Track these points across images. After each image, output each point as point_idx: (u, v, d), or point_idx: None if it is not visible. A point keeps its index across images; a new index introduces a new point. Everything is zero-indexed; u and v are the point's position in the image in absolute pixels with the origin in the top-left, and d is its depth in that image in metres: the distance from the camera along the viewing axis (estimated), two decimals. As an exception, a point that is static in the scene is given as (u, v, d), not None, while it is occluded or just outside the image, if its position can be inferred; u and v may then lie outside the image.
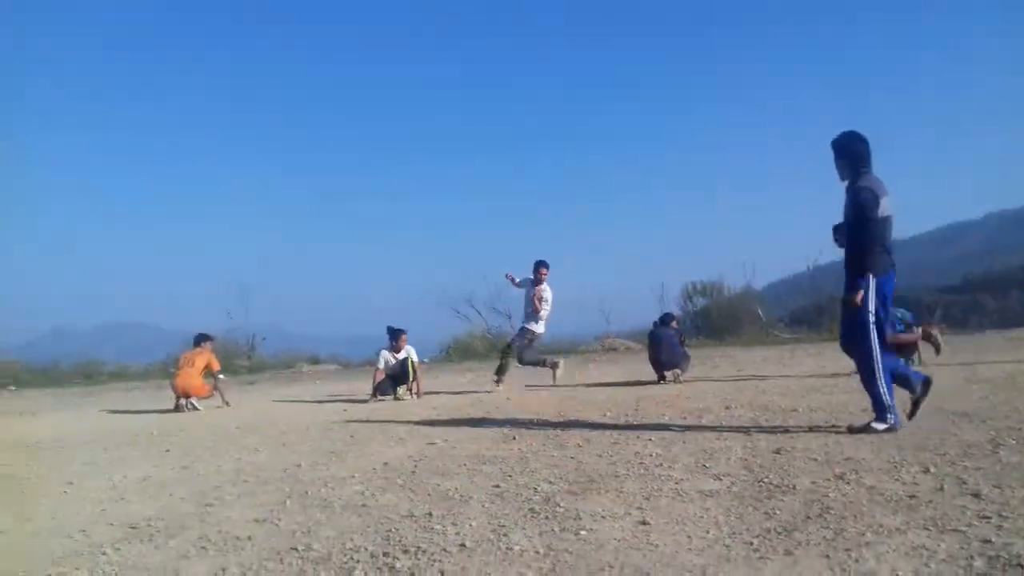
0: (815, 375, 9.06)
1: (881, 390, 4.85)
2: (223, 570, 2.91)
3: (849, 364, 5.60)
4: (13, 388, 19.06)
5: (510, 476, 4.24)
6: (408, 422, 7.00)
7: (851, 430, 4.89)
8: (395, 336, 10.18)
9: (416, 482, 4.26)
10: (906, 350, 10.31)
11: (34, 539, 3.59)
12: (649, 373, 10.21)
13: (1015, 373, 8.04)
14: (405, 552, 2.97)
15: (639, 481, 3.90)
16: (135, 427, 8.45)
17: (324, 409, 9.27)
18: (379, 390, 9.94)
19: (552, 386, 9.96)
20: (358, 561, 2.90)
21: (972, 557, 2.50)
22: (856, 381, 5.42)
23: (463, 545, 3.00)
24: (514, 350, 10.26)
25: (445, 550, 2.96)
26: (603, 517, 3.27)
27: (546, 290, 10.20)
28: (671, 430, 5.49)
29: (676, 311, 19.32)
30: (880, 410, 4.86)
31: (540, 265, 10.28)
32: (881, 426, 4.81)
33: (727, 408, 6.55)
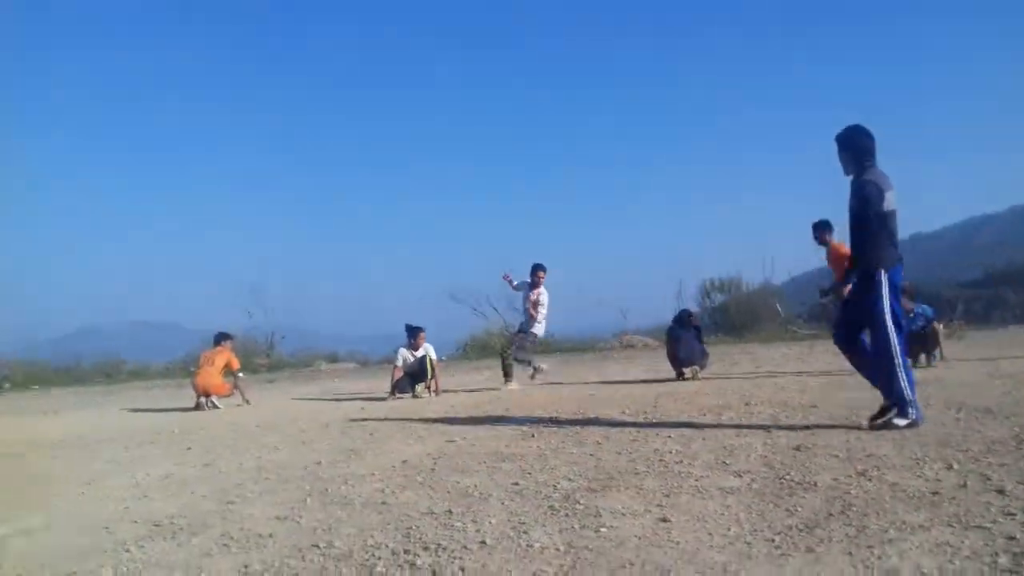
0: (834, 372, 9.01)
1: (902, 385, 4.82)
2: (246, 567, 2.93)
3: (844, 363, 5.58)
4: (37, 387, 19.29)
5: (529, 473, 4.24)
6: (426, 420, 7.03)
7: (873, 427, 4.86)
8: (413, 334, 10.23)
9: (435, 479, 4.27)
10: (929, 346, 10.23)
11: (58, 536, 3.63)
12: (668, 370, 10.20)
13: (1039, 368, 7.95)
14: (426, 549, 2.98)
15: (659, 478, 3.89)
16: (156, 425, 8.53)
17: (343, 407, 9.32)
18: (397, 388, 9.99)
19: (554, 383, 9.95)
20: (379, 558, 2.91)
21: (997, 554, 2.48)
22: (858, 378, 5.40)
23: (483, 542, 3.00)
24: (513, 350, 10.37)
25: (465, 547, 2.96)
26: (623, 514, 3.27)
27: (543, 293, 10.33)
28: (690, 427, 5.47)
29: (694, 307, 19.25)
30: (901, 405, 4.82)
31: (537, 268, 10.40)
32: (903, 421, 4.77)
33: (747, 405, 6.52)
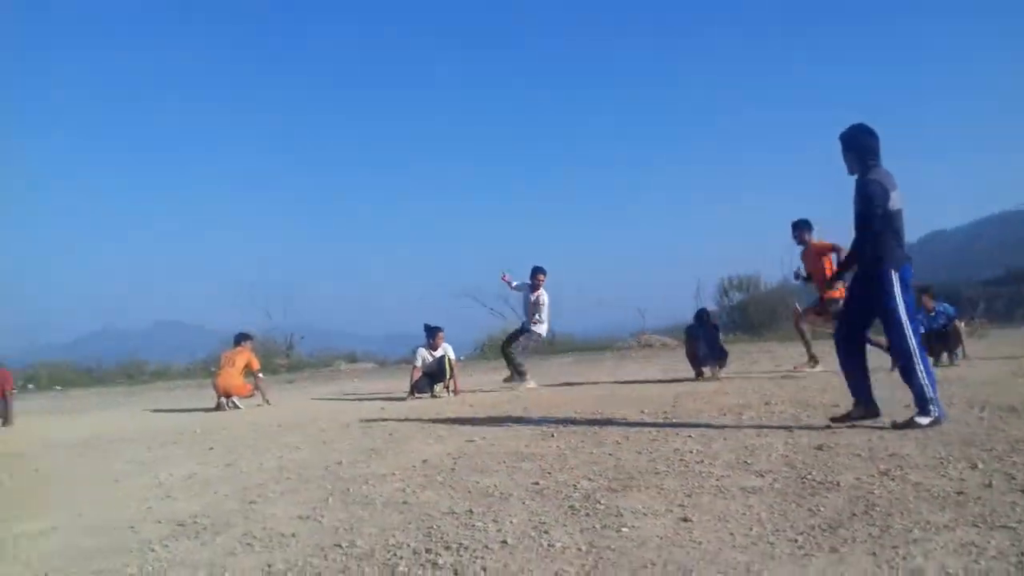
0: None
1: (922, 383, 4.78)
2: (269, 566, 2.95)
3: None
4: (59, 388, 19.51)
5: (549, 473, 4.24)
6: (446, 419, 7.05)
7: (895, 426, 4.82)
8: (432, 334, 10.26)
9: (456, 479, 4.28)
10: (950, 344, 10.16)
11: (84, 535, 3.67)
12: (686, 369, 10.17)
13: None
14: (447, 548, 2.99)
15: (679, 478, 3.88)
16: (179, 425, 8.61)
17: (362, 407, 9.36)
18: (416, 388, 10.01)
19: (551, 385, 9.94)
20: (401, 557, 2.92)
21: (1023, 554, 2.45)
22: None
23: (505, 542, 3.00)
24: (516, 351, 10.47)
25: (487, 547, 2.97)
26: (644, 514, 3.26)
27: (543, 295, 10.53)
28: (710, 427, 5.45)
29: (712, 306, 19.20)
30: (923, 403, 4.79)
31: (537, 271, 10.63)
32: (925, 420, 4.73)
33: (767, 404, 6.49)
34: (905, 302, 4.86)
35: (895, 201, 4.88)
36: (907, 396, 4.96)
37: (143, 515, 4.00)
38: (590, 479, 4.01)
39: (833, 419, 5.14)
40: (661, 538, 2.91)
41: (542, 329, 10.62)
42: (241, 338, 11.06)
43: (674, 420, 5.94)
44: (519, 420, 6.63)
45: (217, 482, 4.79)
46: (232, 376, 10.44)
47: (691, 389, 8.45)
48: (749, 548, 2.73)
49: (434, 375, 10.11)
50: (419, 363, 10.16)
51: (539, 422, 6.35)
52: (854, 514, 3.04)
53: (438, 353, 10.13)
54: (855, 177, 5.04)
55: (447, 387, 10.12)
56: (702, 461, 4.25)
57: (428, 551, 2.97)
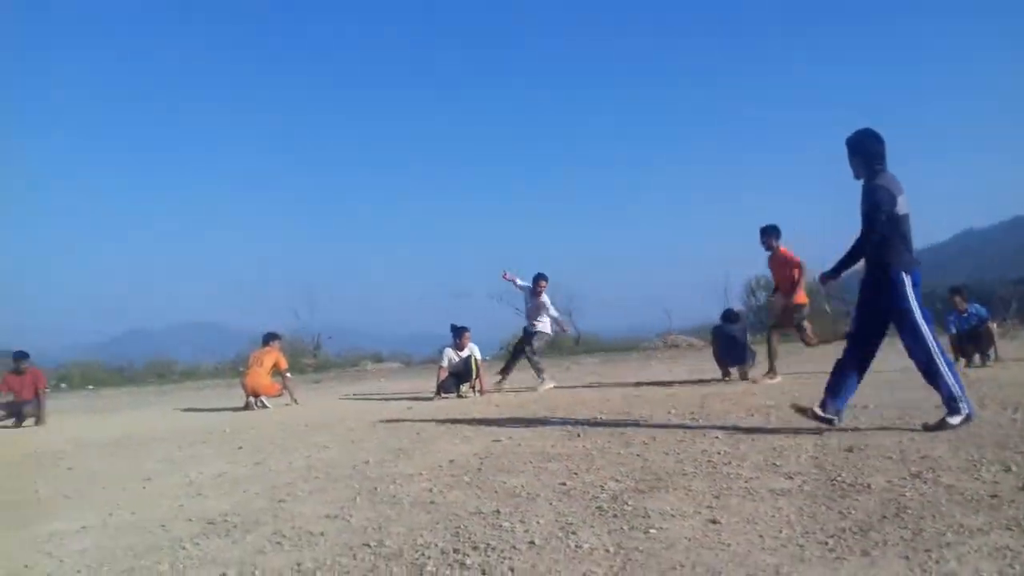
0: (884, 370, 8.83)
1: (948, 382, 4.72)
2: (298, 565, 2.98)
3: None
4: (91, 387, 19.80)
5: (576, 474, 4.24)
6: (472, 419, 7.06)
7: (927, 428, 4.76)
8: (458, 334, 10.29)
9: (483, 479, 4.29)
10: (983, 345, 10.01)
11: (116, 533, 3.72)
12: (712, 370, 10.11)
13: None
14: (475, 549, 2.99)
15: (707, 479, 3.86)
16: (208, 425, 8.70)
17: (389, 407, 9.40)
18: (443, 388, 10.04)
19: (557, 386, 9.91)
20: (429, 557, 2.93)
21: (1060, 559, 2.42)
22: (909, 376, 5.30)
23: (532, 542, 3.01)
24: (531, 350, 10.63)
25: (514, 547, 2.97)
26: (672, 516, 3.25)
27: (545, 299, 10.83)
28: (738, 428, 5.42)
29: (739, 306, 19.05)
30: (951, 402, 4.72)
31: (539, 278, 10.87)
32: (956, 419, 4.67)
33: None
34: (918, 303, 4.82)
35: (902, 206, 4.86)
36: (938, 397, 4.89)
37: (174, 513, 4.05)
38: (617, 480, 4.00)
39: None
40: (689, 540, 2.90)
41: (547, 327, 10.87)
42: (269, 338, 11.15)
43: (701, 421, 5.91)
44: (545, 420, 6.63)
45: (246, 481, 4.84)
46: (260, 376, 10.54)
47: (718, 390, 8.40)
48: (779, 550, 2.71)
49: (460, 375, 10.14)
50: (445, 363, 10.19)
51: (565, 422, 6.35)
52: (885, 517, 3.00)
53: (464, 353, 10.15)
54: (861, 182, 5.02)
55: (473, 387, 10.14)
56: (730, 462, 4.23)
57: (456, 551, 2.98)
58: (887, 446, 4.35)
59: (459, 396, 10.02)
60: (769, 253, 9.32)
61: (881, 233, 4.84)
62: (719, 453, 4.52)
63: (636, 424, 5.97)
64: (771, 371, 8.94)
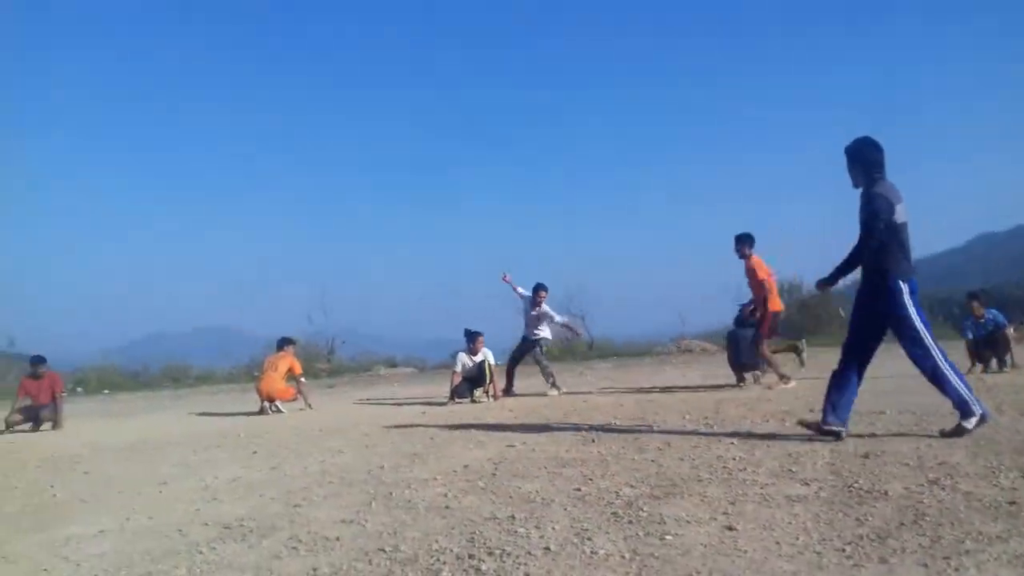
0: (899, 376, 8.77)
1: (956, 386, 4.70)
2: (314, 570, 2.99)
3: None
4: (107, 391, 19.93)
5: (591, 479, 4.23)
6: (486, 424, 7.06)
7: (943, 434, 4.73)
8: (472, 339, 10.30)
9: (497, 484, 4.29)
10: (1000, 351, 9.94)
11: (133, 537, 3.74)
12: (727, 375, 10.07)
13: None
14: (490, 554, 2.99)
15: (723, 486, 3.85)
16: (223, 429, 8.74)
17: (403, 412, 9.42)
18: (456, 393, 10.05)
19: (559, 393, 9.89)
20: (444, 563, 2.94)
21: (1081, 568, 2.39)
22: (925, 381, 5.26)
23: (547, 548, 3.01)
24: (538, 358, 10.89)
25: (529, 553, 2.97)
26: (688, 522, 3.24)
27: (547, 309, 10.96)
28: (753, 434, 5.40)
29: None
30: (963, 406, 4.69)
31: (539, 289, 10.95)
32: (971, 422, 4.64)
33: (811, 411, 6.36)
34: (916, 310, 4.80)
35: (900, 214, 4.85)
36: (948, 403, 4.85)
37: (190, 518, 4.07)
38: (632, 486, 3.99)
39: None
40: (705, 546, 2.89)
41: (547, 333, 11.13)
42: (284, 343, 11.19)
43: (716, 427, 5.89)
44: (559, 425, 6.62)
45: (262, 485, 4.86)
46: (275, 380, 10.57)
47: (733, 395, 8.37)
48: (795, 557, 2.69)
49: (474, 380, 10.14)
50: (459, 368, 10.20)
51: (579, 427, 6.34)
52: (903, 524, 2.98)
53: (478, 358, 10.16)
54: (860, 190, 5.01)
55: (487, 392, 10.15)
56: (745, 468, 4.21)
57: (471, 556, 2.98)
58: (904, 452, 4.33)
59: (473, 401, 10.03)
60: (744, 261, 9.30)
61: (880, 240, 4.83)
62: (734, 459, 4.50)
63: (650, 429, 5.96)
64: (783, 378, 8.89)
